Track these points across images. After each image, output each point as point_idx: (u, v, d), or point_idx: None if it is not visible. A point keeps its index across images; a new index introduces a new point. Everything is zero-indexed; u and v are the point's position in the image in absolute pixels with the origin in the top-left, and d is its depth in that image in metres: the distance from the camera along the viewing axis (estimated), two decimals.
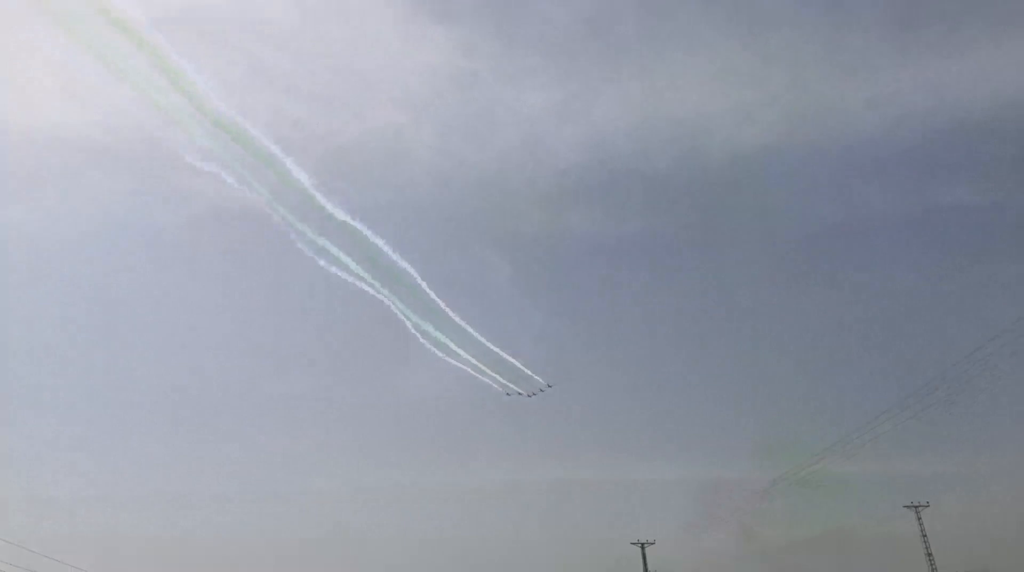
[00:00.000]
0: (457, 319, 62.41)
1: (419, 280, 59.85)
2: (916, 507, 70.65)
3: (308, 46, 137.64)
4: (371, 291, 56.79)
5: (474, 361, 63.58)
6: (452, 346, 64.32)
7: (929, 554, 68.90)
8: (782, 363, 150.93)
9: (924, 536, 69.29)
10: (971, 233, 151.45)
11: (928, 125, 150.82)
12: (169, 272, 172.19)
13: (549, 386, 78.90)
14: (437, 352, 64.21)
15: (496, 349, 63.68)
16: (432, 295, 60.76)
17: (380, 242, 54.27)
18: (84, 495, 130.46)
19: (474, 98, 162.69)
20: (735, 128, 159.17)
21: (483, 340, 65.34)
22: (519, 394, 76.59)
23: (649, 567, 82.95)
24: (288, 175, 50.34)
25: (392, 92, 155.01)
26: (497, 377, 69.29)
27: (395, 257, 55.08)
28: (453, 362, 63.93)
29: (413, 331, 62.11)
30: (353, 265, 53.14)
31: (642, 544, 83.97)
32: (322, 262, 51.15)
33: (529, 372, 70.68)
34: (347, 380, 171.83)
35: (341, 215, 50.51)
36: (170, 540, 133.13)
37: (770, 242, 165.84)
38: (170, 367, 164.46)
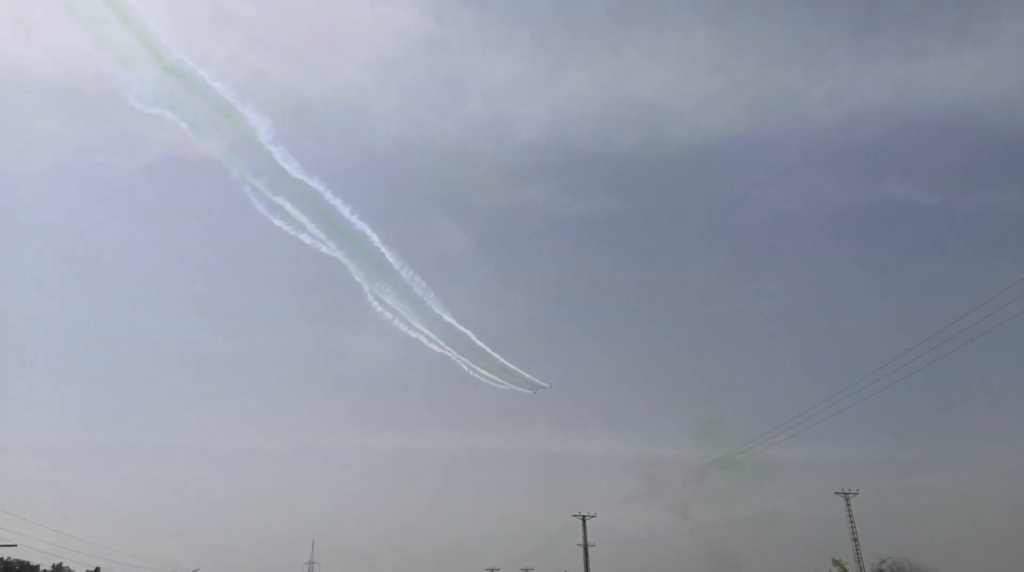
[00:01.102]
0: (412, 286, 61.90)
1: (377, 244, 59.02)
2: (846, 493, 73.03)
3: None
4: (326, 252, 55.84)
5: (427, 331, 63.22)
6: (406, 313, 63.88)
7: (855, 539, 71.49)
8: (728, 347, 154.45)
9: (852, 522, 71.82)
10: (918, 231, 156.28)
11: (884, 124, 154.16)
12: (117, 219, 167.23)
13: (549, 387, 79.86)
14: (390, 318, 63.73)
15: (449, 319, 63.35)
16: (389, 260, 60.04)
17: (338, 203, 53.22)
18: (19, 444, 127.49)
19: (442, 64, 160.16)
20: (699, 115, 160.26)
21: (438, 310, 64.99)
22: (520, 391, 77.28)
23: (589, 539, 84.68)
24: (246, 128, 48.81)
25: (359, 51, 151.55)
26: (465, 360, 69.34)
27: (352, 219, 54.11)
28: (406, 330, 63.50)
29: (368, 297, 61.46)
30: (308, 224, 52.03)
31: (583, 516, 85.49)
32: (276, 220, 49.94)
33: (482, 344, 70.68)
34: (296, 340, 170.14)
35: (298, 172, 49.25)
36: (107, 491, 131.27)
37: (725, 228, 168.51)
38: (114, 317, 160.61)
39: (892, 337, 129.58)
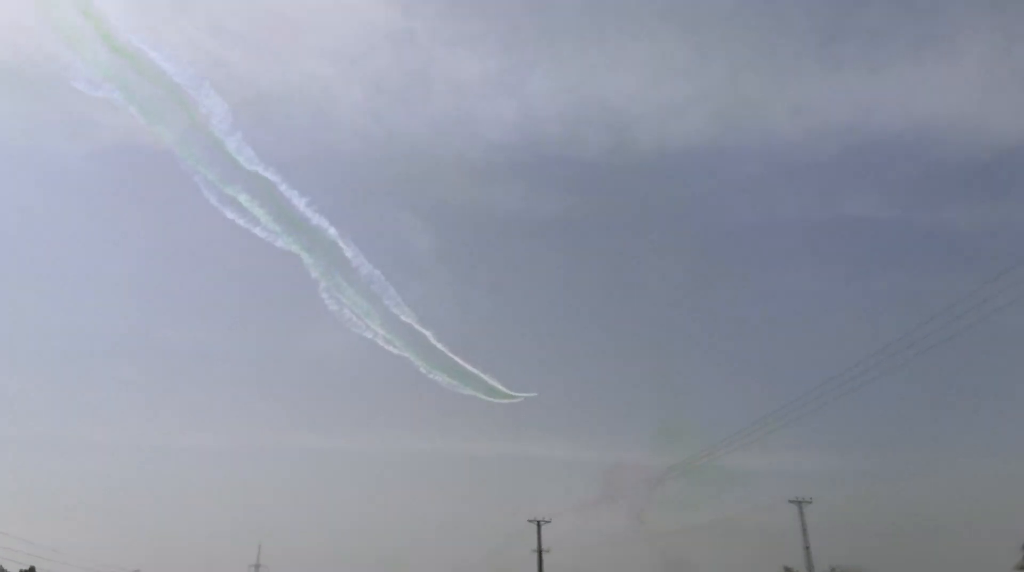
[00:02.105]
0: (370, 284, 60.48)
1: (334, 239, 57.50)
2: (799, 502, 73.57)
3: None
4: (281, 246, 54.17)
5: (383, 331, 61.80)
6: (363, 312, 62.39)
7: (807, 548, 72.03)
8: (690, 353, 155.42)
9: (804, 530, 72.34)
10: (874, 245, 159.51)
11: (845, 138, 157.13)
12: (65, 206, 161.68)
13: (533, 395, 78.83)
14: (347, 316, 62.17)
15: (407, 319, 62.05)
16: (346, 256, 58.55)
17: (294, 195, 51.63)
18: None
19: (408, 58, 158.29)
20: (665, 122, 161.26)
21: (396, 309, 63.64)
22: (503, 399, 76.07)
23: (544, 544, 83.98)
24: (200, 115, 47.03)
25: (323, 42, 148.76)
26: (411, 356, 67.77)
27: (309, 212, 52.55)
28: (362, 329, 62.02)
29: (324, 294, 59.85)
30: (263, 217, 50.34)
31: (538, 522, 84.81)
32: (228, 212, 48.14)
33: (441, 346, 69.43)
34: (247, 336, 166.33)
35: (253, 164, 47.56)
36: (43, 487, 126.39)
37: (688, 235, 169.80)
38: (56, 306, 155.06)
39: (848, 347, 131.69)
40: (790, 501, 74.20)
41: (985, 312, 38.92)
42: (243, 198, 48.51)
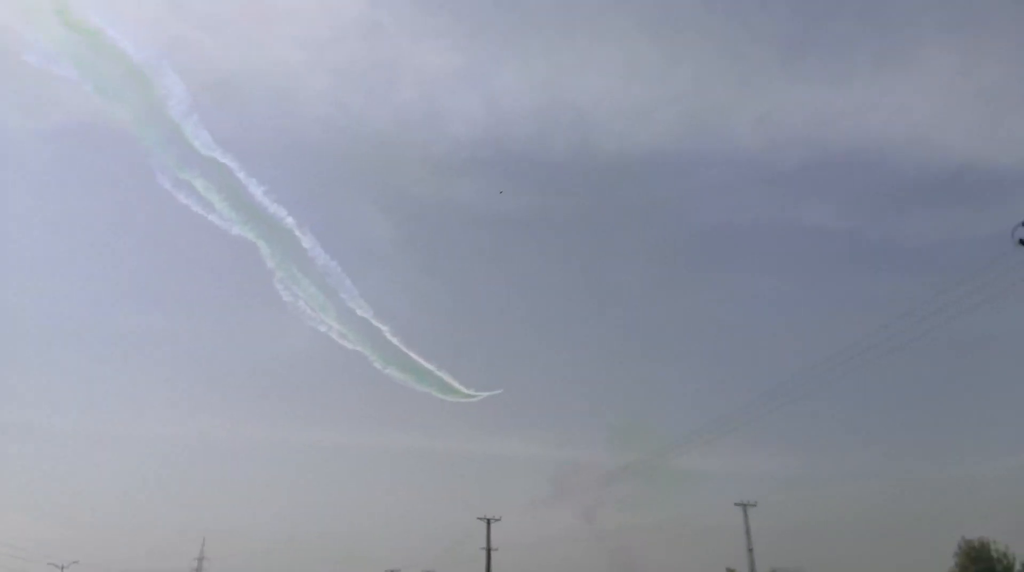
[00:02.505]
0: (327, 276, 59.84)
1: (291, 228, 56.71)
2: (744, 505, 75.02)
3: None
4: (236, 233, 53.25)
5: (339, 325, 61.16)
6: (319, 304, 61.66)
7: (750, 549, 73.51)
8: (647, 353, 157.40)
9: (748, 533, 73.81)
10: (831, 253, 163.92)
11: (806, 148, 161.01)
12: (14, 185, 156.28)
13: (497, 392, 78.36)
14: (302, 308, 61.40)
15: (364, 313, 61.53)
16: (304, 246, 57.81)
17: (252, 182, 50.79)
18: None
19: (376, 48, 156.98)
20: (632, 124, 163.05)
21: (353, 303, 63.05)
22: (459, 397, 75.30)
23: (494, 543, 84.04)
24: (157, 96, 45.97)
25: (289, 28, 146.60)
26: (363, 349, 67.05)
27: (266, 201, 51.74)
28: (317, 322, 61.30)
29: (277, 285, 59.01)
30: (219, 203, 49.43)
31: (488, 520, 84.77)
32: (183, 197, 47.17)
33: (397, 342, 68.98)
34: (199, 324, 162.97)
35: (211, 149, 46.68)
36: None
37: (650, 237, 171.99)
38: (8, 288, 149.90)
39: (801, 351, 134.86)
40: (736, 504, 75.68)
41: (934, 321, 40.32)
42: (199, 183, 47.62)
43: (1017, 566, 65.44)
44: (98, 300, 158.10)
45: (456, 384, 77.21)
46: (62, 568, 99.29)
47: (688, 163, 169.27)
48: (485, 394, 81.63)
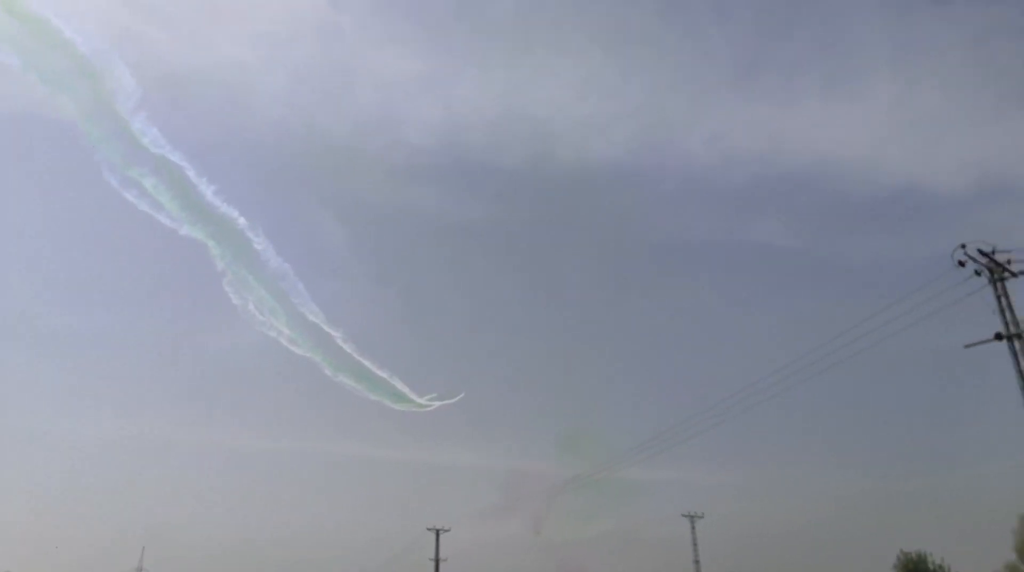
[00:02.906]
0: (278, 280, 58.60)
1: (243, 232, 55.37)
2: (691, 516, 76.02)
3: None
4: (185, 234, 51.76)
5: (289, 330, 59.88)
6: (269, 308, 60.29)
7: (696, 561, 74.42)
8: (598, 365, 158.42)
9: (695, 544, 74.76)
10: (778, 270, 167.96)
11: (756, 167, 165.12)
12: None
13: (456, 399, 77.11)
14: (252, 312, 59.95)
15: (315, 318, 60.38)
16: (255, 248, 56.47)
17: (202, 182, 49.49)
18: None
19: (334, 52, 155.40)
20: (587, 137, 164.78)
21: (304, 307, 61.84)
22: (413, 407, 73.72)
23: (441, 553, 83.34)
24: (106, 91, 44.46)
25: (246, 27, 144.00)
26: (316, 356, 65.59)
27: (217, 202, 50.46)
28: (266, 326, 59.91)
29: (227, 287, 57.51)
30: (167, 203, 47.97)
31: (437, 530, 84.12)
32: (129, 194, 45.65)
33: (349, 348, 67.79)
34: (144, 324, 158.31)
35: (160, 146, 45.34)
36: None
37: (602, 250, 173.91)
38: None
39: (746, 365, 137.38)
40: (683, 515, 76.60)
41: (875, 337, 41.33)
42: (147, 181, 46.10)
43: None
44: (37, 298, 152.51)
45: (410, 393, 76.25)
46: None
47: (642, 177, 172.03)
48: (439, 403, 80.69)
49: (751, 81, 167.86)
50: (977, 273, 33.26)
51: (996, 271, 32.85)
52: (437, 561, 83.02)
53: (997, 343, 32.03)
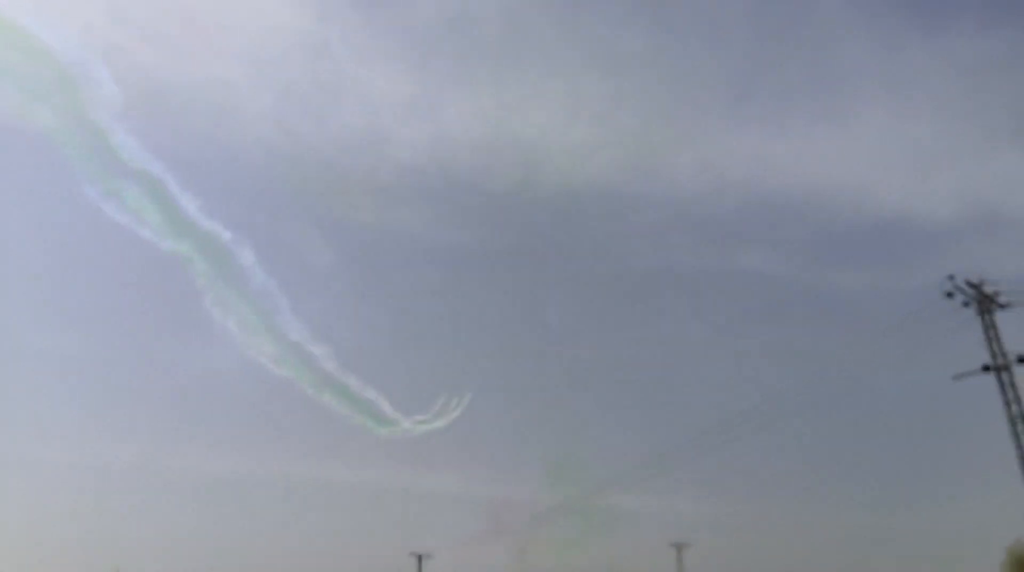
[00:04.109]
0: (260, 298, 57.72)
1: (227, 248, 54.57)
2: (678, 545, 74.93)
3: None
4: (166, 249, 51.01)
5: (271, 349, 58.88)
6: (251, 326, 59.36)
7: None
8: (583, 391, 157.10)
9: None
10: (763, 299, 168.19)
11: (744, 195, 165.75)
12: None
13: (448, 420, 75.86)
14: (234, 331, 58.97)
15: (297, 338, 59.44)
16: (238, 266, 55.61)
17: (186, 197, 48.83)
18: None
19: (321, 70, 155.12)
20: (576, 162, 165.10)
21: (288, 326, 60.91)
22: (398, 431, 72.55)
23: None
24: (88, 102, 43.93)
25: (233, 43, 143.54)
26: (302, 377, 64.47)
27: (200, 217, 49.76)
28: (248, 345, 58.95)
29: (208, 305, 56.59)
30: (148, 217, 47.24)
31: (419, 556, 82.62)
32: (109, 208, 44.90)
33: (331, 369, 66.62)
34: (117, 345, 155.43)
35: (143, 159, 44.74)
36: None
37: (589, 276, 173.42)
38: None
39: (734, 393, 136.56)
40: (670, 544, 75.55)
41: (864, 370, 40.93)
42: (128, 194, 45.47)
43: None
44: (7, 318, 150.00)
45: (395, 414, 75.07)
46: None
47: (629, 203, 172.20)
48: (426, 427, 79.32)
49: (741, 108, 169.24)
50: (965, 304, 33.00)
51: (984, 303, 32.57)
52: None
53: (985, 375, 31.68)
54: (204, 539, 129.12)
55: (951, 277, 32.66)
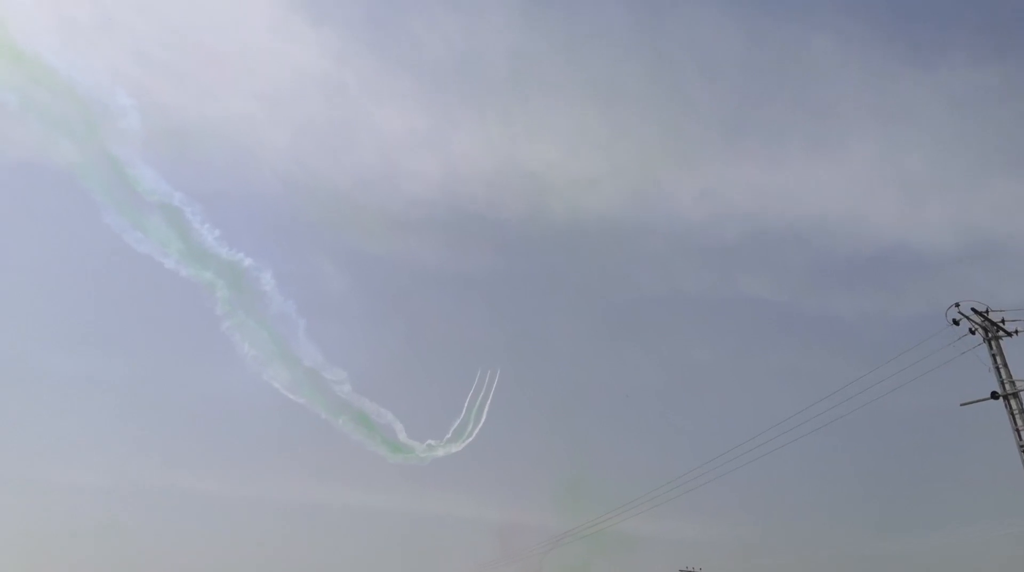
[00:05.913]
0: (277, 325, 58.61)
1: (245, 276, 55.58)
2: (688, 571, 74.46)
3: (170, 15, 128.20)
4: (186, 275, 52.00)
5: (287, 374, 59.61)
6: (266, 353, 60.14)
7: None
8: (591, 416, 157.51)
9: None
10: (766, 325, 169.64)
11: (744, 224, 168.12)
12: None
13: (460, 447, 75.99)
14: (251, 356, 59.70)
15: (311, 364, 60.18)
16: (256, 293, 56.60)
17: (206, 228, 49.97)
18: None
19: (337, 108, 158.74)
20: (581, 193, 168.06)
21: (303, 351, 61.65)
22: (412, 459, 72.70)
23: None
24: (111, 136, 45.27)
25: (252, 83, 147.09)
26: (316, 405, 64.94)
27: (219, 247, 50.85)
28: (264, 370, 59.68)
29: (226, 330, 57.48)
30: (168, 246, 48.32)
31: None
32: (129, 237, 45.97)
33: (346, 395, 67.16)
34: (140, 368, 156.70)
35: (164, 190, 45.94)
36: None
37: (596, 304, 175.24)
38: None
39: (738, 419, 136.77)
40: (681, 570, 75.05)
41: (869, 396, 41.16)
42: (149, 225, 46.60)
43: None
44: (29, 341, 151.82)
45: (412, 442, 75.30)
46: None
47: (633, 232, 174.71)
48: (442, 452, 79.35)
49: (738, 141, 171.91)
50: (972, 331, 33.34)
51: (991, 330, 32.92)
52: None
53: (993, 402, 31.94)
54: (217, 561, 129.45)
55: (957, 305, 33.07)
